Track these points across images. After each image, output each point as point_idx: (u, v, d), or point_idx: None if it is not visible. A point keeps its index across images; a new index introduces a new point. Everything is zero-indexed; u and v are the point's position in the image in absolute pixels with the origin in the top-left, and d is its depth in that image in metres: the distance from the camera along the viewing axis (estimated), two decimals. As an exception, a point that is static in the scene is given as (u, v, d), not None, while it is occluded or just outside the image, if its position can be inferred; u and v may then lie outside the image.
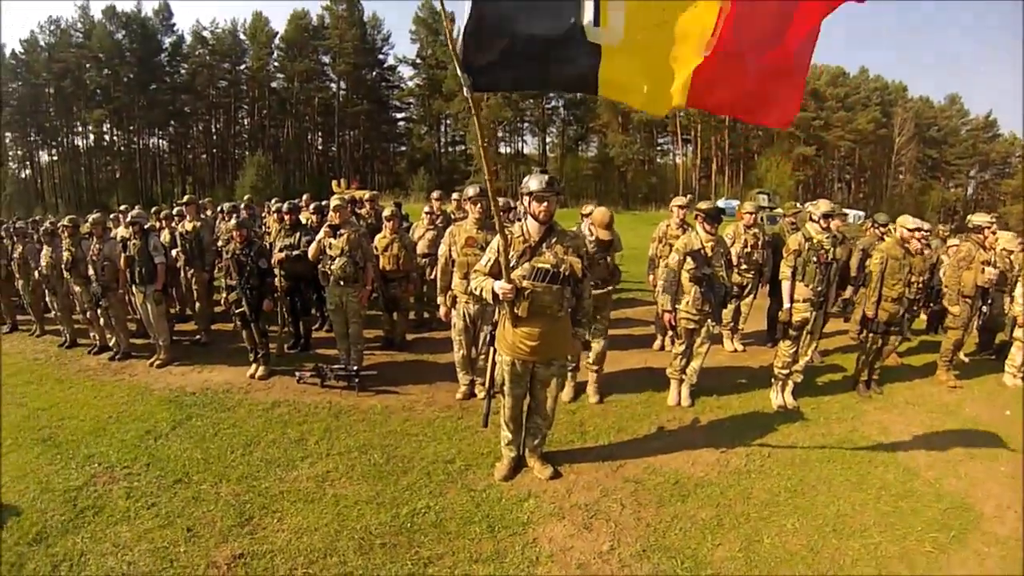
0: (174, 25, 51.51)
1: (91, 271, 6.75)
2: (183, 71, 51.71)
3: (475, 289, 3.78)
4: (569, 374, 5.43)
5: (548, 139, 57.36)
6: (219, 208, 10.26)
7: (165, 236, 7.70)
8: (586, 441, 4.84)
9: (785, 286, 5.48)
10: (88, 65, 47.49)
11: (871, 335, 6.16)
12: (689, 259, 5.23)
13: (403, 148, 59.57)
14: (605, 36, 2.58)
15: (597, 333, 5.36)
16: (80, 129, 50.74)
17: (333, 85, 55.78)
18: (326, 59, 54.46)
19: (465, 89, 2.81)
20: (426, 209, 7.77)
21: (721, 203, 31.21)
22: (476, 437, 4.75)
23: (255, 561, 3.31)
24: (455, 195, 6.30)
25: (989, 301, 7.06)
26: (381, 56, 56.98)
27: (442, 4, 2.91)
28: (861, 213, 31.41)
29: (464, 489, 4.03)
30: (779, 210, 13.80)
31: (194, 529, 3.58)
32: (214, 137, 55.80)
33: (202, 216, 8.54)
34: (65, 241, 7.06)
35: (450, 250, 5.28)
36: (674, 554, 3.48)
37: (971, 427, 5.73)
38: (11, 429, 5.10)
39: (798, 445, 5.00)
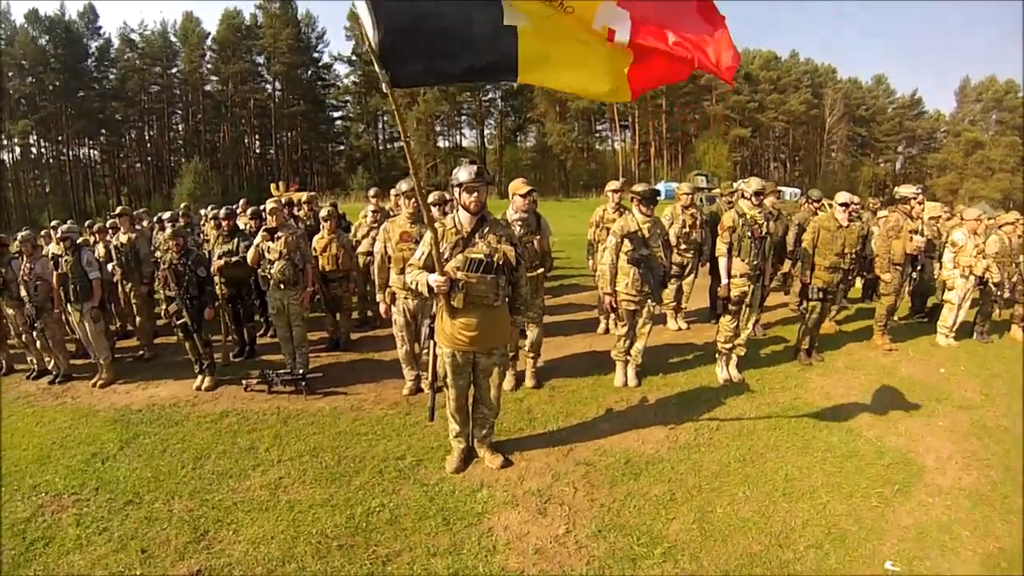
0: (100, 28, 49.21)
1: (23, 292, 6.45)
2: (112, 76, 49.45)
3: (411, 283, 3.77)
4: (510, 363, 5.45)
5: (487, 131, 57.76)
6: (155, 218, 9.95)
7: (100, 250, 7.44)
8: (535, 427, 4.88)
9: (722, 262, 5.62)
10: (11, 73, 44.86)
11: (810, 303, 6.39)
12: (626, 241, 5.29)
13: (341, 147, 58.70)
14: (519, 20, 2.62)
15: (532, 320, 5.39)
16: (5, 142, 47.87)
17: (269, 86, 54.39)
18: (260, 59, 53.03)
19: (384, 86, 2.79)
20: (370, 208, 7.71)
21: (660, 186, 31.84)
22: (425, 432, 4.75)
23: (214, 576, 3.25)
24: (393, 191, 6.30)
25: (919, 267, 7.42)
26: (316, 54, 56.00)
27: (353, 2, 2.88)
28: (797, 190, 32.87)
29: (417, 484, 4.02)
30: (717, 190, 14.18)
31: (149, 550, 3.47)
32: (148, 145, 53.58)
33: (138, 227, 8.25)
34: (-7, 263, 6.71)
35: (386, 246, 5.25)
36: (630, 531, 3.56)
37: (908, 387, 6.03)
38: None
39: (745, 416, 5.16)
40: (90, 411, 5.77)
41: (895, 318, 7.73)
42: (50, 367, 6.86)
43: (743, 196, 5.64)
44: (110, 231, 7.93)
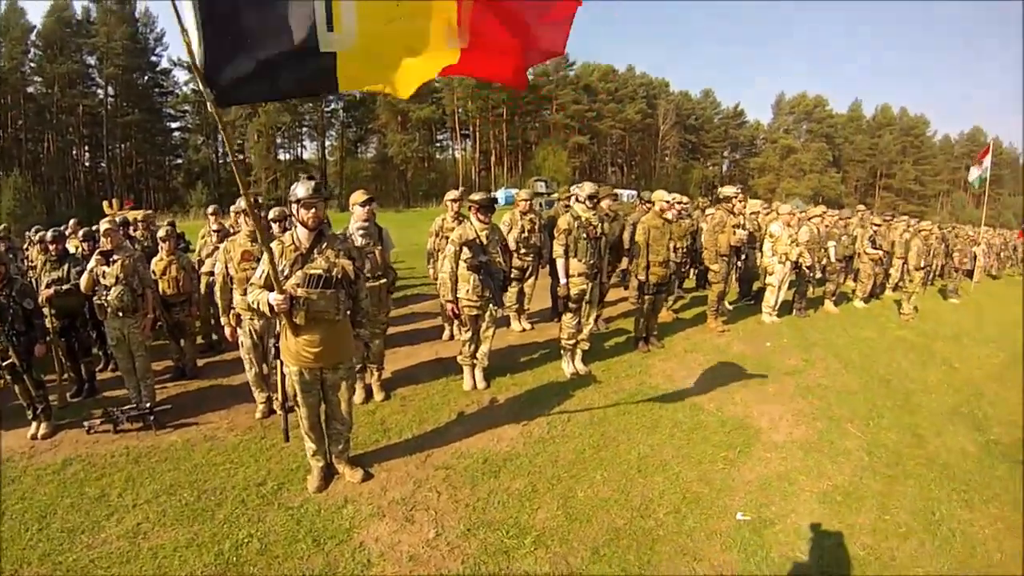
0: None
1: None
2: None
3: (253, 303, 3.70)
4: (357, 376, 5.43)
5: (328, 142, 56.64)
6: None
7: None
8: (391, 438, 4.90)
9: (559, 263, 5.95)
10: None
11: (646, 297, 6.95)
12: (465, 249, 5.40)
13: (179, 161, 53.68)
14: (338, 43, 2.68)
15: (376, 333, 5.39)
16: None
17: (100, 91, 48.17)
18: (92, 60, 46.95)
19: (209, 104, 2.75)
20: (213, 227, 7.35)
21: (500, 193, 32.82)
22: (283, 454, 4.62)
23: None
24: (233, 208, 6.02)
25: (743, 257, 8.40)
26: (154, 58, 50.81)
27: (177, 16, 2.62)
28: (633, 192, 35.65)
29: (282, 509, 3.92)
30: (556, 195, 15.02)
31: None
32: (-43, 156, 45.78)
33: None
34: None
35: (227, 267, 5.07)
36: (498, 526, 3.72)
37: (741, 361, 6.87)
38: None
39: (594, 405, 5.53)
40: None
41: (726, 303, 8.69)
42: None
43: (577, 200, 6.00)
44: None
